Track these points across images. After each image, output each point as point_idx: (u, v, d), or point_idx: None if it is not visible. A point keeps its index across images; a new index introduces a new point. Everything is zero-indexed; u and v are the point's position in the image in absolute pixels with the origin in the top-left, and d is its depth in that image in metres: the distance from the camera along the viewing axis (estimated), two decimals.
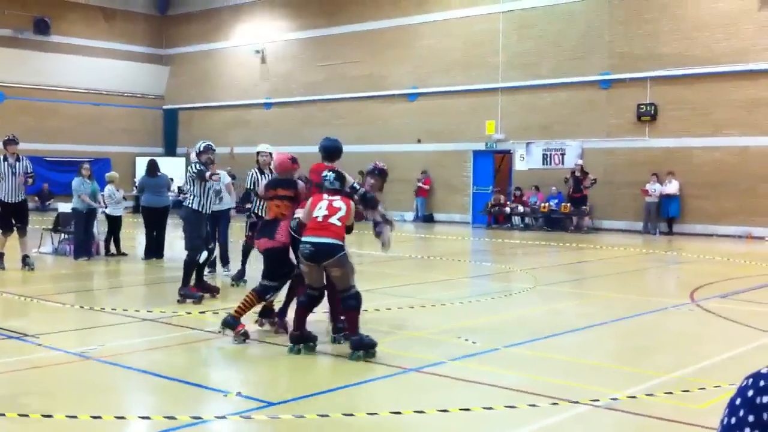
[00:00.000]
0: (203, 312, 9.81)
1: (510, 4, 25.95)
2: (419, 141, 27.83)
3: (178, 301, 10.37)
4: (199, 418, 5.59)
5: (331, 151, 8.45)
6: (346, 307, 7.55)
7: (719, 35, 22.15)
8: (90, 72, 33.77)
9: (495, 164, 27.26)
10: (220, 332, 8.09)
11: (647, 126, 23.53)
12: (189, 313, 9.64)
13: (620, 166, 24.08)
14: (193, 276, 10.80)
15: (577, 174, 23.64)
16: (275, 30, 32.68)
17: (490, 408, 5.86)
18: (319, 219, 7.40)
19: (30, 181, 13.54)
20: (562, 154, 25.09)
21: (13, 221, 13.47)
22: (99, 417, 5.51)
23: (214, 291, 11.06)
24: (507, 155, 26.86)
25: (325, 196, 7.60)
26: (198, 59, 35.50)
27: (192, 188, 10.63)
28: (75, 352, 7.48)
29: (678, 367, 7.10)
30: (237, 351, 8.01)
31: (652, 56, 23.30)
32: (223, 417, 5.68)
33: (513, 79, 25.94)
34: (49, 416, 5.49)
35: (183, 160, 32.84)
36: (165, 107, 36.63)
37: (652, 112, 23.29)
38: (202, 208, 10.59)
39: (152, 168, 15.93)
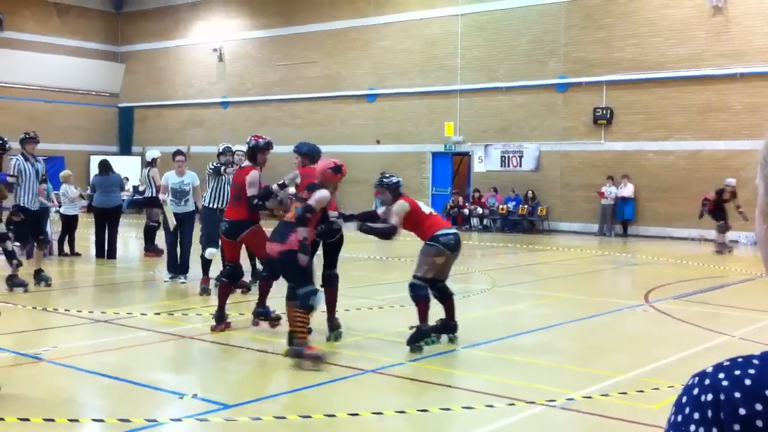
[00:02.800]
0: (158, 313, 9.70)
1: (468, 7, 26.09)
2: (378, 142, 27.86)
3: (200, 293, 11.10)
4: (154, 420, 5.52)
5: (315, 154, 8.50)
6: (450, 294, 8.23)
7: (673, 41, 22.52)
8: (43, 69, 33.17)
9: (454, 166, 27.39)
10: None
11: (603, 129, 23.83)
12: (144, 314, 9.52)
13: (576, 169, 24.36)
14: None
15: (725, 196, 18.98)
16: (233, 29, 32.45)
17: (448, 409, 5.88)
18: (434, 214, 8.15)
19: (45, 185, 12.72)
20: (520, 157, 25.31)
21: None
22: (52, 420, 5.41)
23: (242, 287, 11.16)
24: (465, 157, 27.00)
25: (410, 197, 8.27)
26: (154, 57, 35.10)
27: (207, 185, 11.26)
28: (27, 353, 7.34)
29: (632, 368, 7.19)
30: (193, 353, 7.95)
31: (607, 61, 23.61)
32: (179, 420, 5.62)
33: (471, 82, 26.09)
34: (1, 419, 5.37)
35: (138, 159, 32.46)
36: (120, 105, 36.15)
37: (608, 115, 23.60)
38: (215, 204, 11.10)
39: (102, 167, 15.77)
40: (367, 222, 8.17)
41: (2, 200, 6.03)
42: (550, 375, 7.08)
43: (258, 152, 8.71)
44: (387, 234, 7.90)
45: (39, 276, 11.73)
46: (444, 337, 8.15)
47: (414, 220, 7.98)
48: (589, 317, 9.99)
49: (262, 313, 8.81)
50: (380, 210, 8.39)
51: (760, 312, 10.46)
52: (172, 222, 12.14)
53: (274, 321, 8.75)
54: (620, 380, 6.75)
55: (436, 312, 8.04)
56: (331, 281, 8.37)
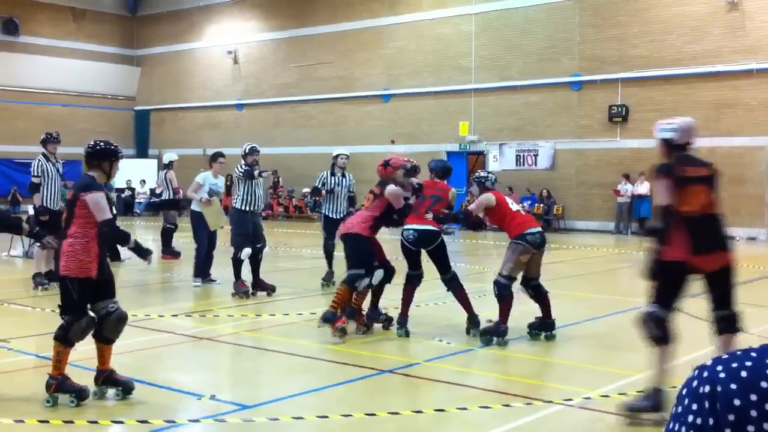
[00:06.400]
0: (175, 315, 9.76)
1: (481, 6, 26.07)
2: (392, 142, 27.86)
3: (232, 294, 10.95)
4: (173, 422, 5.56)
5: (447, 170, 9.08)
6: (545, 293, 8.27)
7: (688, 37, 22.41)
8: (60, 73, 33.41)
9: (468, 165, 27.35)
10: (319, 327, 8.17)
11: (618, 127, 23.74)
12: (162, 316, 9.58)
13: (592, 167, 24.28)
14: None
15: None
16: (247, 31, 32.56)
17: (465, 408, 5.89)
18: (523, 213, 8.22)
19: (69, 183, 12.47)
20: (535, 155, 25.26)
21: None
22: (71, 422, 5.47)
23: (269, 289, 11.21)
24: (480, 156, 26.96)
25: (499, 193, 8.41)
26: (169, 60, 35.27)
27: (237, 188, 11.18)
28: (45, 356, 7.39)
29: (650, 366, 7.16)
30: (210, 354, 7.99)
31: (622, 58, 23.53)
32: (197, 421, 5.66)
33: (485, 81, 26.06)
34: (21, 421, 5.43)
35: (155, 161, 32.65)
36: (136, 108, 36.36)
37: (623, 113, 23.52)
38: (248, 207, 11.08)
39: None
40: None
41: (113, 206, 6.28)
42: (567, 374, 7.07)
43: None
44: (459, 219, 8.76)
45: (50, 275, 11.77)
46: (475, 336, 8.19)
47: (499, 216, 8.25)
48: (606, 316, 9.97)
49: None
50: (472, 206, 8.56)
51: None
52: (223, 221, 11.94)
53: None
54: (638, 378, 6.73)
55: (436, 313, 8.01)
56: (448, 284, 8.59)
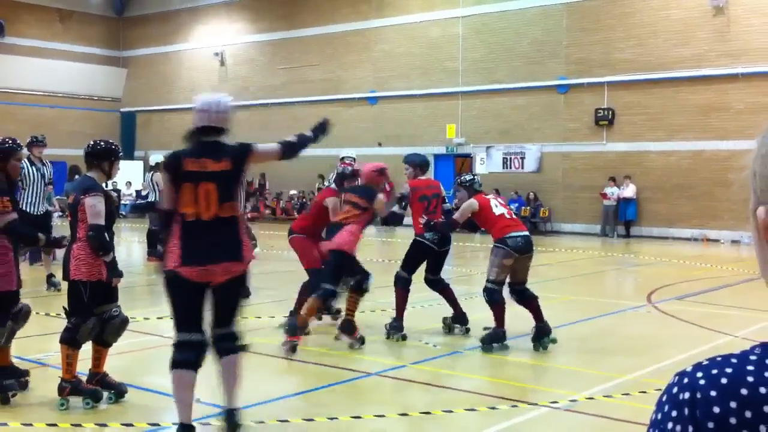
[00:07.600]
0: (161, 318, 9.71)
1: (469, 9, 26.12)
2: (380, 145, 27.87)
3: None
4: (157, 424, 5.54)
5: (428, 164, 9.20)
6: (532, 296, 8.08)
7: (675, 41, 22.53)
8: (46, 74, 33.23)
9: (456, 168, 27.39)
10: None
11: (605, 130, 23.83)
12: (147, 318, 9.54)
13: (578, 170, 24.36)
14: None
15: None
16: (234, 33, 32.50)
17: (451, 411, 5.89)
18: (507, 216, 8.02)
19: (50, 188, 12.02)
20: (522, 158, 25.32)
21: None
22: (55, 425, 5.43)
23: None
24: (468, 159, 27.01)
25: (486, 196, 8.32)
26: (156, 61, 35.16)
27: None
28: (31, 358, 7.36)
29: (635, 369, 7.19)
30: None
31: (608, 62, 23.62)
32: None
33: (472, 84, 26.10)
34: (4, 424, 5.39)
35: (141, 163, 32.52)
36: (122, 110, 36.21)
37: (610, 116, 23.61)
38: None
39: (71, 172, 15.51)
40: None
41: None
42: (552, 376, 7.08)
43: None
44: (445, 229, 8.45)
45: (50, 281, 11.82)
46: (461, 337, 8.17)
47: (483, 219, 8.20)
48: (592, 318, 10.00)
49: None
50: (456, 215, 8.51)
51: (762, 312, 10.44)
52: None
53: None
54: (623, 381, 6.75)
55: (434, 312, 8.00)
56: (437, 285, 8.84)
